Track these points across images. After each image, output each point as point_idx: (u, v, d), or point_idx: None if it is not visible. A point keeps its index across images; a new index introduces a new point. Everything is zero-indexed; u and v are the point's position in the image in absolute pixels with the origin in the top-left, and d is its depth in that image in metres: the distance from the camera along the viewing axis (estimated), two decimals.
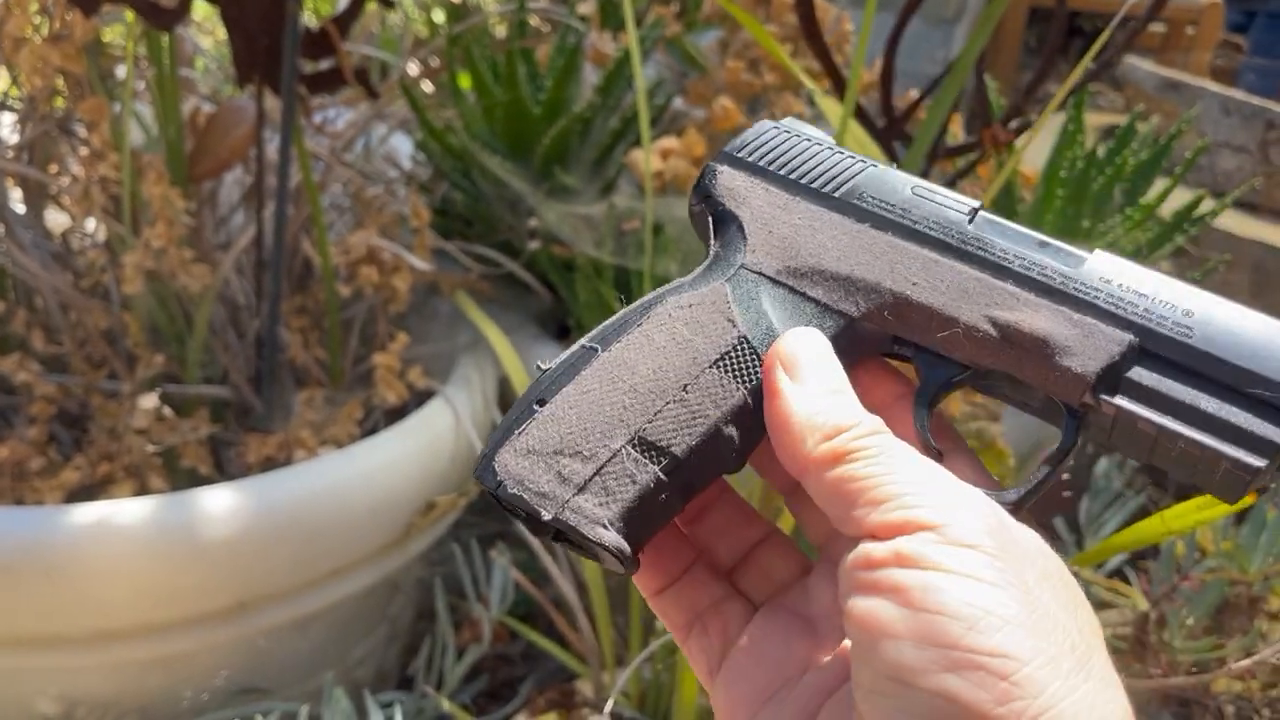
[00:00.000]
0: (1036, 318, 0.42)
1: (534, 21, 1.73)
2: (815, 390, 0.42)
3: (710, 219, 0.49)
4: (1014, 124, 1.08)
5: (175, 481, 1.23)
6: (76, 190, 1.21)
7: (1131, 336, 0.41)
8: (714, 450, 0.43)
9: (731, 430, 0.43)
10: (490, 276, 1.49)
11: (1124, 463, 1.56)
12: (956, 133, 1.44)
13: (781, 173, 0.49)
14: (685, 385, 0.43)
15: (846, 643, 0.44)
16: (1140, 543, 0.90)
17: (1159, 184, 1.38)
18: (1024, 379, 0.43)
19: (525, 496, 0.41)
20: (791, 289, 0.46)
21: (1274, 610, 1.09)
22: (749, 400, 0.43)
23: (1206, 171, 2.05)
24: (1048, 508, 0.85)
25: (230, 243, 1.40)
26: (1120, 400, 0.41)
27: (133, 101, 1.32)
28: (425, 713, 1.22)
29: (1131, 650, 1.09)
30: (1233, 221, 1.84)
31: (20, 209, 1.34)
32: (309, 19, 1.50)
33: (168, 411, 1.24)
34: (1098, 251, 0.44)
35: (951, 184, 1.19)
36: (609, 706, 1.11)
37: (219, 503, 1.07)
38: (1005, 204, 1.36)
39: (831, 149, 0.49)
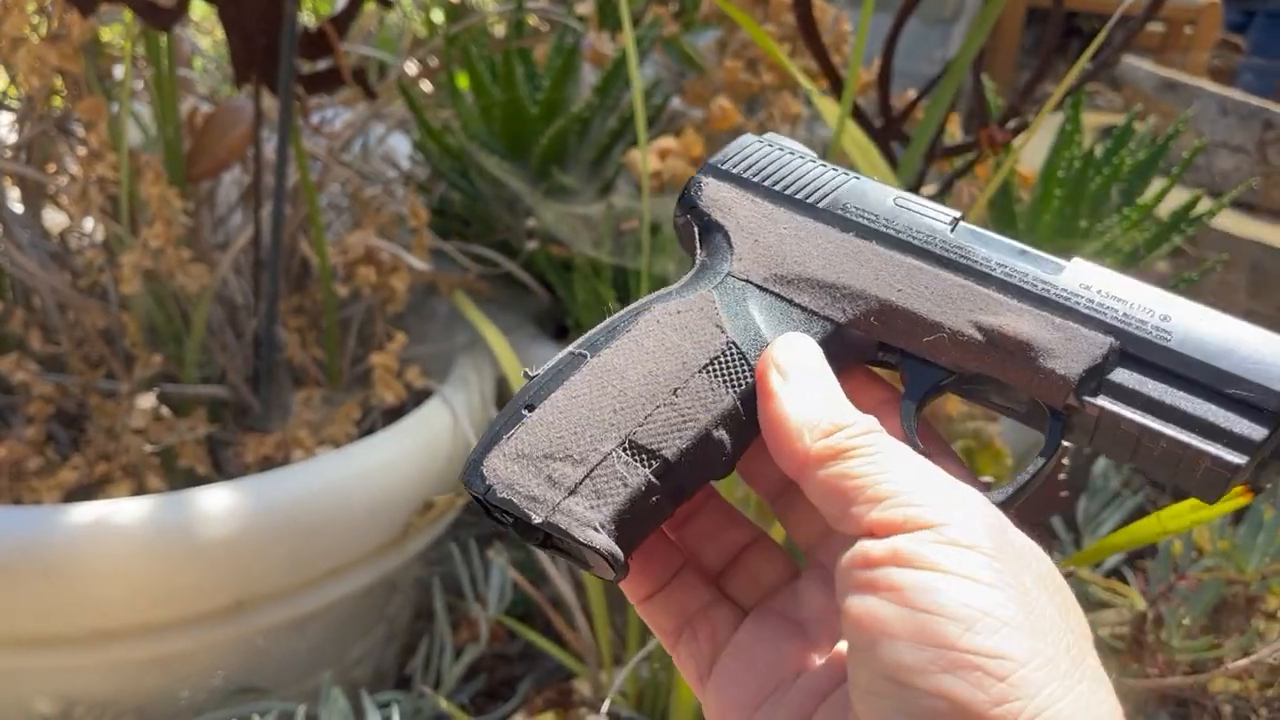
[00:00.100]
0: (1020, 322, 0.43)
1: (532, 21, 1.73)
2: (809, 392, 0.42)
3: (696, 230, 0.50)
4: (1011, 124, 1.08)
5: (173, 481, 1.23)
6: (74, 190, 1.21)
7: (1112, 339, 0.42)
8: (704, 454, 0.43)
9: (721, 434, 0.43)
10: (488, 276, 1.50)
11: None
12: (954, 133, 1.44)
13: (766, 184, 0.49)
14: (675, 389, 0.43)
15: (840, 646, 0.44)
16: (1137, 542, 0.90)
17: (1156, 184, 1.39)
18: (1008, 382, 0.43)
19: (515, 500, 0.41)
20: (778, 296, 0.46)
21: (1271, 610, 1.09)
22: (738, 405, 0.43)
23: (1204, 171, 2.05)
24: (1045, 507, 0.85)
25: (228, 243, 1.40)
26: (1103, 401, 0.41)
27: (131, 101, 1.32)
28: (423, 712, 1.22)
29: (1129, 650, 1.09)
30: (1230, 221, 1.84)
31: (18, 208, 1.34)
32: (307, 19, 1.50)
33: (165, 411, 1.24)
34: (1076, 259, 0.45)
35: (949, 184, 1.19)
36: (606, 706, 1.11)
37: (217, 502, 1.07)
38: (1003, 204, 1.36)
39: (814, 162, 0.50)
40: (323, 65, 1.26)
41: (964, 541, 0.37)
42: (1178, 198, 1.38)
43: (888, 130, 1.10)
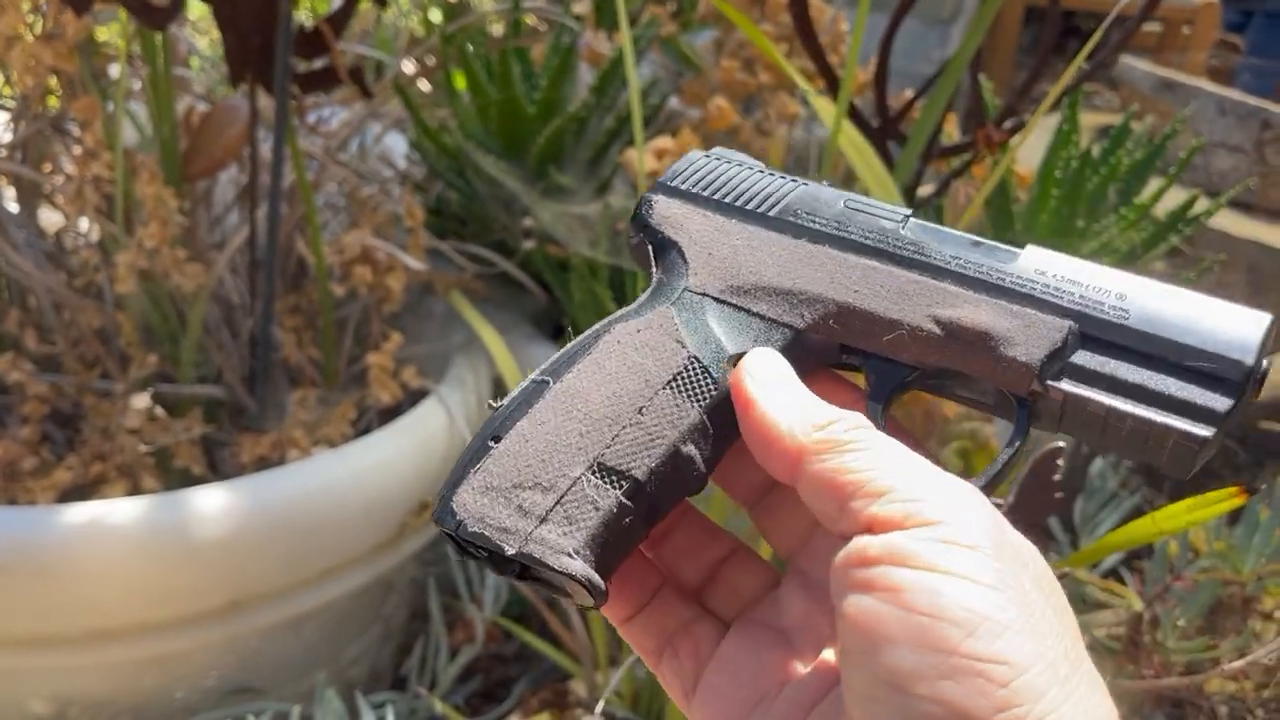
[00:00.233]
0: (978, 312, 0.43)
1: (529, 20, 1.73)
2: (787, 395, 0.42)
3: (650, 248, 0.50)
4: (1008, 124, 1.08)
5: (168, 481, 1.23)
6: (70, 189, 1.21)
7: (1071, 322, 0.42)
8: (675, 470, 0.43)
9: (690, 449, 0.43)
10: (485, 276, 1.49)
11: (1119, 463, 1.56)
12: (951, 132, 1.43)
13: (716, 197, 0.49)
14: (640, 408, 0.43)
15: (826, 652, 0.44)
16: (1132, 542, 0.89)
17: (1154, 183, 1.38)
18: (971, 374, 0.43)
19: (486, 533, 0.41)
20: (736, 306, 0.46)
21: (1267, 610, 1.09)
22: (705, 419, 0.43)
23: (1202, 171, 2.05)
24: (1042, 508, 0.85)
25: (224, 242, 1.39)
26: (1066, 385, 0.41)
27: (126, 101, 1.32)
28: (418, 713, 1.22)
29: (1125, 650, 1.09)
30: (1228, 221, 1.84)
31: (13, 208, 1.34)
32: (303, 17, 1.50)
33: (161, 411, 1.24)
34: (1030, 247, 0.45)
35: (946, 184, 1.19)
36: (601, 706, 1.11)
37: (212, 502, 1.07)
38: (1000, 204, 1.36)
39: (762, 172, 0.50)
40: (319, 64, 1.26)
41: (964, 541, 0.36)
42: (1175, 197, 1.38)
43: (884, 130, 1.10)
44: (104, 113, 1.20)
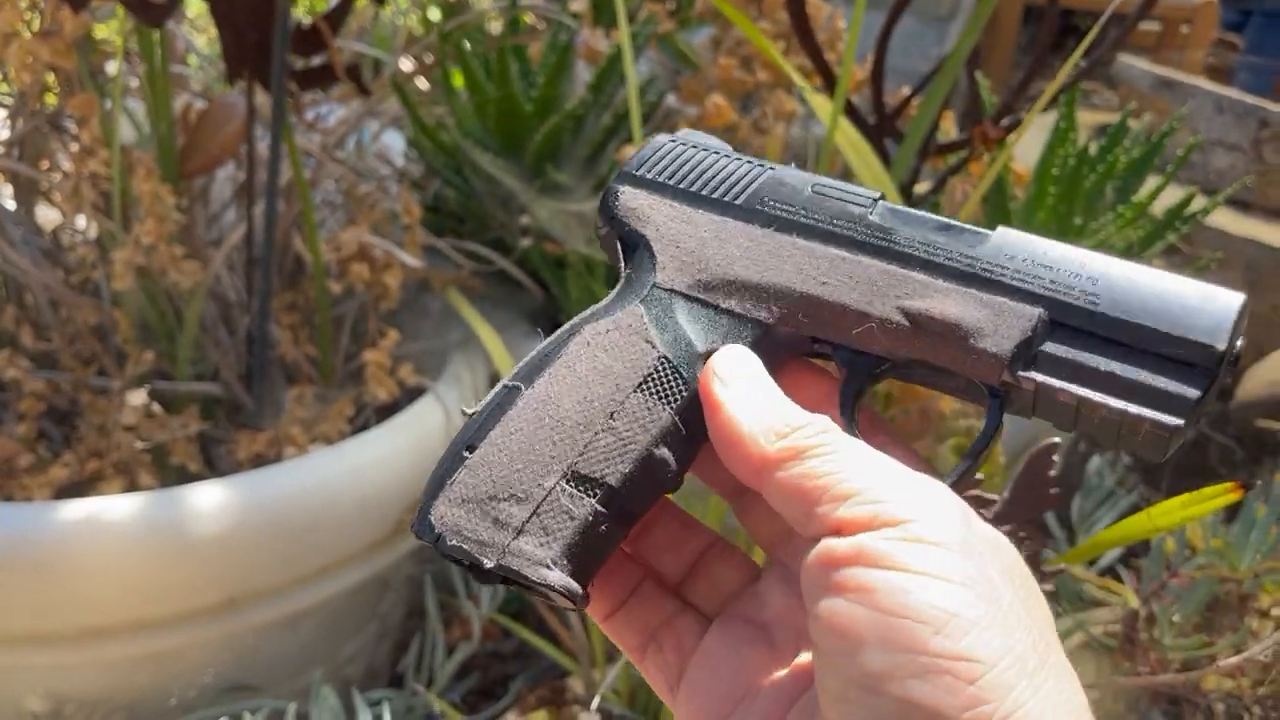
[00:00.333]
0: (946, 303, 0.42)
1: (527, 18, 1.73)
2: (756, 398, 0.42)
3: (618, 242, 0.49)
4: (1006, 121, 1.08)
5: (165, 478, 1.23)
6: (67, 186, 1.21)
7: (1041, 310, 0.41)
8: (648, 474, 0.43)
9: (664, 451, 0.43)
10: (482, 274, 1.49)
11: (1116, 461, 1.56)
12: (949, 130, 1.43)
13: (682, 186, 0.49)
14: (612, 413, 0.43)
15: (804, 650, 0.44)
16: (1129, 539, 0.90)
17: (1151, 181, 1.39)
18: (941, 365, 0.43)
19: (465, 547, 0.41)
20: (704, 303, 0.46)
21: (1263, 608, 1.09)
22: (677, 420, 0.43)
23: (1200, 169, 2.05)
24: (1038, 504, 0.85)
25: (221, 239, 1.39)
26: (1037, 375, 0.41)
27: (124, 98, 1.32)
28: (415, 710, 1.22)
29: (1121, 648, 1.09)
30: (1225, 219, 1.84)
31: (10, 205, 1.34)
32: (300, 15, 1.49)
33: (157, 408, 1.24)
34: (1001, 229, 0.44)
35: (943, 181, 1.19)
36: (597, 703, 1.11)
37: (208, 499, 1.07)
38: (997, 201, 1.36)
39: (729, 156, 0.49)
40: (316, 61, 1.26)
41: (931, 538, 0.36)
42: (1172, 195, 1.38)
43: (881, 127, 1.10)
44: (101, 110, 1.19)
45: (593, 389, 0.43)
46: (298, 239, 1.37)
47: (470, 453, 0.43)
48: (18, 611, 1.05)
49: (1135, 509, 1.39)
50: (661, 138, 0.51)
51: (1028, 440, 1.36)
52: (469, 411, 0.45)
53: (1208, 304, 0.40)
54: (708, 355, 0.44)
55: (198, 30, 1.91)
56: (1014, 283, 0.42)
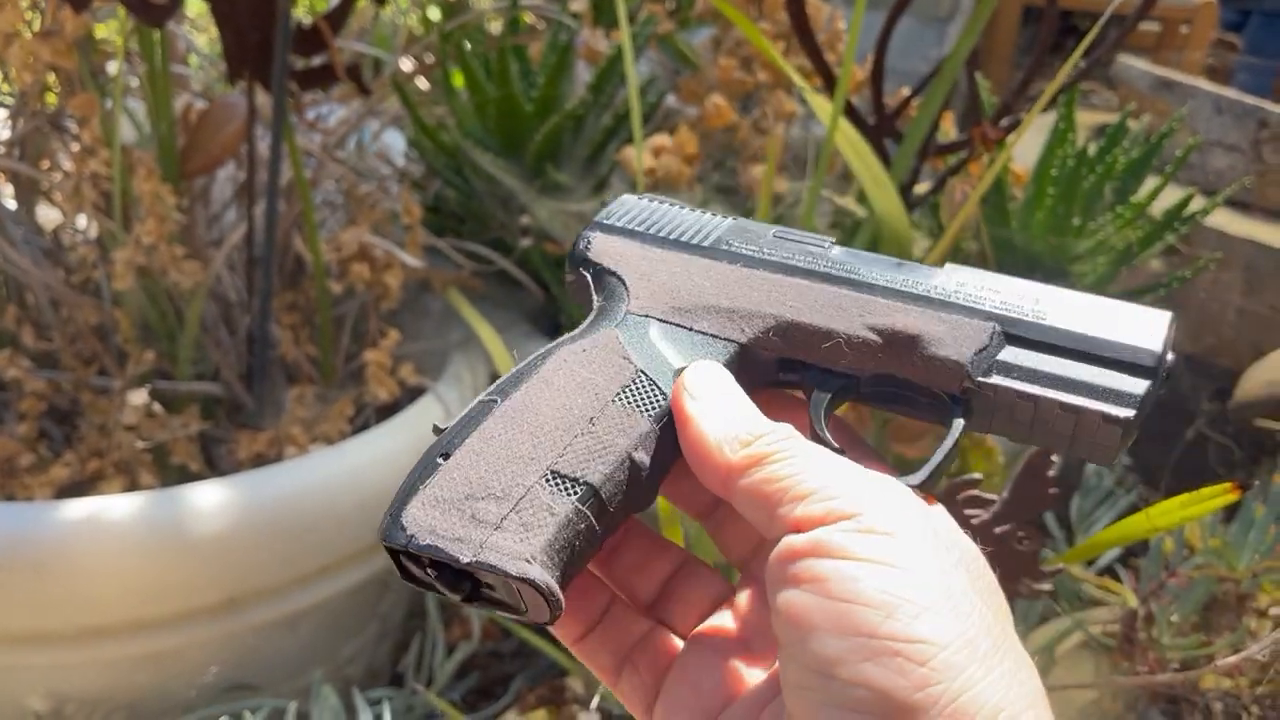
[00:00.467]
0: (908, 319, 0.46)
1: (527, 18, 1.73)
2: (723, 409, 0.43)
3: (589, 280, 0.51)
4: (1005, 122, 1.09)
5: (165, 478, 1.23)
6: (68, 186, 1.21)
7: (994, 324, 0.45)
8: (627, 478, 0.43)
9: (641, 457, 0.43)
10: (482, 274, 1.49)
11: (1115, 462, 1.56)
12: (949, 130, 1.44)
13: (652, 232, 0.52)
14: (591, 418, 0.44)
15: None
16: (1128, 539, 0.90)
17: (1150, 182, 1.39)
18: (905, 376, 0.46)
19: (438, 545, 0.40)
20: (679, 325, 0.48)
21: (1262, 607, 1.09)
22: (655, 428, 0.44)
23: (1199, 170, 2.05)
24: (1037, 505, 0.85)
25: (222, 239, 1.40)
26: (996, 379, 0.44)
27: (124, 98, 1.32)
28: (415, 710, 1.22)
29: (1120, 647, 1.09)
30: (1224, 220, 1.84)
31: (11, 205, 1.34)
32: (301, 15, 1.50)
33: (158, 408, 1.24)
34: (949, 265, 0.48)
35: (942, 181, 1.19)
36: (597, 702, 1.11)
37: (209, 499, 1.07)
38: (996, 202, 1.36)
39: (694, 210, 0.53)
40: (317, 62, 1.26)
41: (881, 528, 0.37)
42: (1171, 196, 1.38)
43: (881, 128, 1.10)
44: (102, 109, 1.20)
45: (572, 398, 0.44)
46: (298, 239, 1.37)
47: (445, 459, 0.42)
48: (19, 611, 1.05)
49: (1134, 509, 1.39)
50: (629, 196, 0.54)
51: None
52: (441, 426, 0.44)
53: (1142, 319, 0.45)
54: (680, 370, 0.46)
55: (197, 29, 1.91)
56: (968, 303, 0.46)
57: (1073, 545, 1.38)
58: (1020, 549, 0.84)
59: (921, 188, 1.22)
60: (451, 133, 1.50)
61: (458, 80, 1.58)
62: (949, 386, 0.45)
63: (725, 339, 0.47)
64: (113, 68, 1.30)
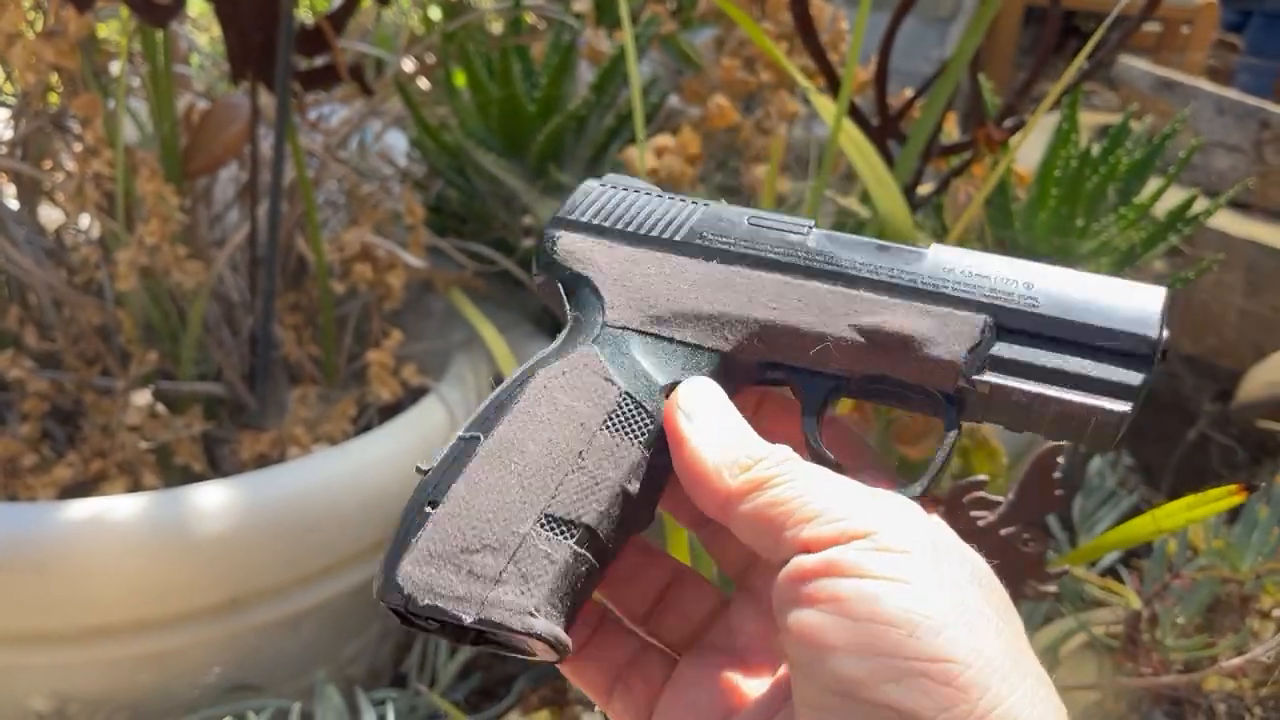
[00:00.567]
0: (896, 317, 0.44)
1: (529, 18, 1.73)
2: (719, 431, 0.42)
3: (560, 286, 0.48)
4: (1008, 123, 1.09)
5: (168, 478, 1.23)
6: (70, 186, 1.21)
7: (986, 316, 0.43)
8: (623, 510, 0.42)
9: (635, 486, 0.42)
10: (485, 274, 1.49)
11: (1116, 462, 1.57)
12: (951, 131, 1.44)
13: (619, 227, 0.48)
14: (580, 453, 0.42)
15: (782, 669, 0.44)
16: (1132, 541, 0.90)
17: (1153, 183, 1.39)
18: (898, 376, 0.44)
19: (439, 604, 0.39)
20: (658, 336, 0.46)
21: (1265, 609, 1.09)
22: (645, 453, 0.43)
23: (1201, 171, 2.05)
24: (1041, 506, 0.85)
25: (224, 239, 1.39)
26: (990, 377, 0.43)
27: (127, 98, 1.32)
28: (418, 710, 1.22)
29: (1123, 648, 1.09)
30: (1226, 221, 1.84)
31: (14, 205, 1.34)
32: (304, 15, 1.50)
33: (161, 408, 1.24)
34: (935, 245, 0.46)
35: (945, 182, 1.19)
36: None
37: (212, 499, 1.07)
38: (999, 203, 1.36)
39: (661, 196, 0.49)
40: (320, 62, 1.26)
41: (897, 547, 0.36)
42: (1174, 197, 1.38)
43: (884, 129, 1.10)
44: (105, 110, 1.20)
45: (557, 430, 0.42)
46: (301, 239, 1.37)
47: (433, 508, 0.41)
48: (21, 611, 1.05)
49: (1136, 510, 1.40)
50: (591, 183, 0.51)
51: (1029, 442, 1.36)
52: (424, 468, 0.43)
53: (1136, 298, 0.43)
54: (669, 388, 0.44)
55: (200, 29, 1.91)
56: (956, 293, 0.44)
57: (1075, 546, 1.38)
58: (1025, 550, 0.84)
59: (925, 189, 1.22)
60: (454, 133, 1.50)
61: (460, 80, 1.58)
62: (942, 384, 0.43)
63: (709, 349, 0.45)
64: (115, 68, 1.30)
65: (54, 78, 1.25)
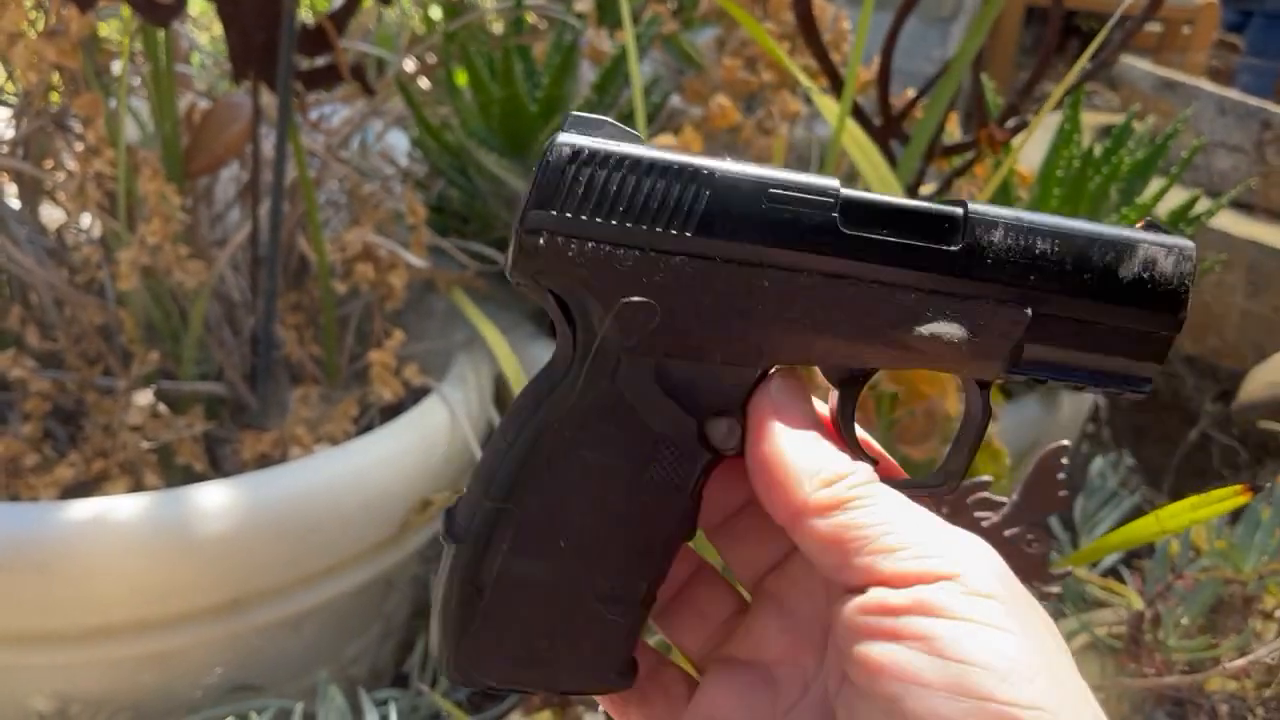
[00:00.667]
0: (938, 326, 0.42)
1: (531, 18, 1.73)
2: (804, 437, 0.41)
3: (552, 298, 0.42)
4: (1010, 123, 1.08)
5: (170, 478, 1.23)
6: (71, 186, 1.21)
7: (1027, 311, 0.42)
8: (672, 556, 0.43)
9: (685, 527, 0.43)
10: (487, 274, 1.49)
11: (1118, 462, 1.56)
12: (953, 131, 1.44)
13: (614, 223, 0.40)
14: (622, 515, 0.41)
15: (813, 691, 0.43)
16: (1134, 542, 0.90)
17: (1155, 183, 1.39)
18: (940, 370, 0.44)
19: (516, 685, 0.42)
20: (684, 364, 0.41)
21: (1268, 609, 1.09)
22: (688, 500, 0.43)
23: (1202, 171, 2.05)
24: (1044, 507, 0.85)
25: (226, 239, 1.39)
26: (1028, 369, 0.43)
27: (128, 97, 1.32)
28: (420, 710, 1.22)
29: (1126, 649, 1.09)
30: (1228, 221, 1.84)
31: (15, 204, 1.34)
32: (305, 15, 1.50)
33: (163, 408, 1.24)
34: (971, 205, 0.42)
35: (948, 182, 1.19)
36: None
37: (213, 499, 1.07)
38: (1002, 202, 1.36)
39: (654, 161, 0.41)
40: (321, 62, 1.26)
41: (983, 591, 0.37)
42: (1176, 197, 1.38)
43: (887, 129, 1.10)
44: (106, 109, 1.19)
45: (597, 494, 0.41)
46: (302, 239, 1.37)
47: (481, 595, 0.41)
48: (23, 611, 1.05)
49: (1137, 510, 1.39)
50: (564, 145, 0.41)
51: (1030, 442, 1.36)
52: (449, 529, 0.43)
53: (1162, 285, 0.43)
54: (702, 423, 0.42)
55: (201, 29, 1.91)
56: (998, 285, 0.42)
57: (1076, 546, 1.38)
58: (1029, 551, 0.84)
59: (928, 189, 1.22)
60: (455, 133, 1.50)
61: (461, 80, 1.58)
62: (982, 377, 0.44)
63: (742, 368, 0.42)
64: (117, 67, 1.30)
65: (55, 77, 1.25)
